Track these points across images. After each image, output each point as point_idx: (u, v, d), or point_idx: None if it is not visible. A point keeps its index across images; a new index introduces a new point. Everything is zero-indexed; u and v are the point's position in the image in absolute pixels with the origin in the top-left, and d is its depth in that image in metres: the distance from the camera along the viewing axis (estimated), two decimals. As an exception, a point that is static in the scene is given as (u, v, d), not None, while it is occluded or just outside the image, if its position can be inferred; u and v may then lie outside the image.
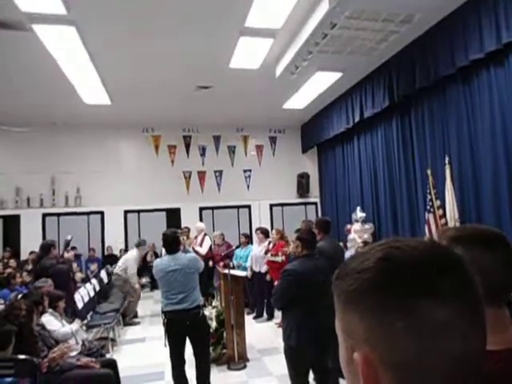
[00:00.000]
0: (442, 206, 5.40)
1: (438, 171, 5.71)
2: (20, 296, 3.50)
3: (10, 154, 9.27)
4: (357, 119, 7.65)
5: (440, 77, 5.40)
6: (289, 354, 2.95)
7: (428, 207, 5.56)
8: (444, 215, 5.38)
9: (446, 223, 5.32)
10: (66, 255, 5.22)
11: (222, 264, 6.04)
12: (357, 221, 7.72)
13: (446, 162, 5.39)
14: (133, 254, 6.78)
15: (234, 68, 6.52)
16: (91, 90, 7.24)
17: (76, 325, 3.59)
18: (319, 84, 7.28)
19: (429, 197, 5.59)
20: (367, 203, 8.20)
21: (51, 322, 3.35)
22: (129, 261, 6.56)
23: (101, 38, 5.45)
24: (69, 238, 5.55)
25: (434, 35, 5.38)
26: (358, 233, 7.51)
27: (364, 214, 7.74)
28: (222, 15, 5.04)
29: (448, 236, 0.90)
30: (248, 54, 6.02)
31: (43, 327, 3.18)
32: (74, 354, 3.18)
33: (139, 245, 6.94)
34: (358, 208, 7.92)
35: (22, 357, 1.50)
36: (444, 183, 5.37)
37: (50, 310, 3.46)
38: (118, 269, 6.64)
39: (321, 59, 6.19)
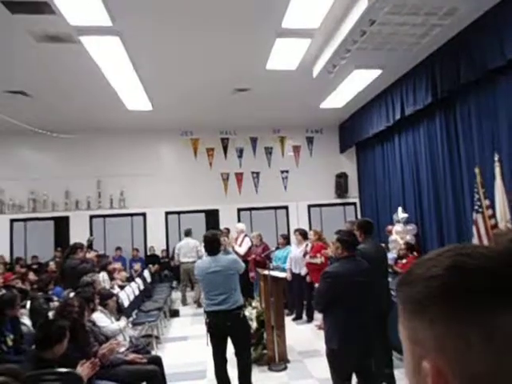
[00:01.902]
0: (492, 206, 5.12)
1: (487, 169, 5.42)
2: (73, 294, 3.70)
3: (60, 159, 9.84)
4: (397, 117, 7.43)
5: (488, 70, 5.13)
6: (331, 357, 2.93)
7: (476, 207, 5.29)
8: (494, 215, 5.10)
9: (496, 224, 5.05)
10: (88, 255, 5.43)
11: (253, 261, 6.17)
12: (398, 221, 7.51)
13: (496, 159, 5.11)
14: (191, 241, 8.00)
15: (270, 69, 6.54)
16: (134, 96, 7.54)
17: (123, 322, 3.76)
18: (358, 82, 7.14)
19: (476, 196, 5.32)
20: (409, 203, 7.93)
21: (101, 318, 3.53)
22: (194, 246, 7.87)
23: (142, 46, 5.65)
24: (91, 238, 5.79)
25: (481, 26, 5.12)
26: (399, 234, 7.29)
27: (406, 215, 7.51)
28: (259, 18, 5.08)
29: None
30: (285, 55, 6.03)
31: (94, 323, 3.36)
32: (122, 349, 3.33)
33: (189, 233, 7.97)
34: (400, 208, 7.70)
35: (66, 370, 1.62)
36: (493, 182, 5.10)
37: (100, 308, 3.65)
38: (183, 257, 7.86)
39: (359, 57, 6.07)
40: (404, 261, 6.24)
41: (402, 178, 8.31)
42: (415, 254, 6.51)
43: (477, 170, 5.38)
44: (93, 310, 3.49)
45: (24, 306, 4.98)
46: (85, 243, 5.63)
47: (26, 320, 4.57)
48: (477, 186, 5.33)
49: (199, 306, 7.28)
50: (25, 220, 9.71)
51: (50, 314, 3.65)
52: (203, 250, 7.63)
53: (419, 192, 7.66)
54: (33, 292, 5.36)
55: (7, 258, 9.32)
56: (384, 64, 6.53)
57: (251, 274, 6.65)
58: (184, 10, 4.82)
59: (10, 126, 8.28)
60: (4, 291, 5.30)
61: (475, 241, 5.21)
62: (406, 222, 7.44)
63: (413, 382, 0.50)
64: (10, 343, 3.64)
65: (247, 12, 4.93)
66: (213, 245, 3.57)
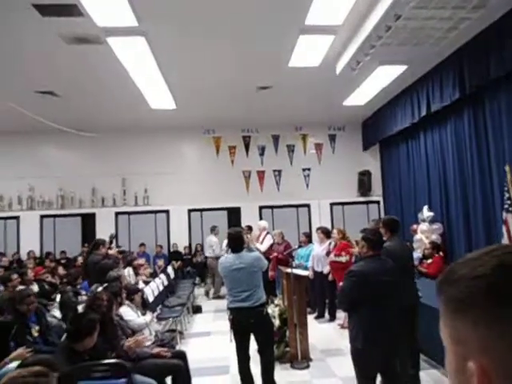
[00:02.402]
0: (523, 205, 4.96)
1: (518, 167, 5.24)
2: (100, 288, 3.82)
3: (87, 157, 10.12)
4: (423, 113, 7.26)
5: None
6: (355, 356, 2.91)
7: (506, 206, 5.14)
8: (525, 215, 4.93)
9: (528, 224, 4.89)
10: (110, 252, 5.53)
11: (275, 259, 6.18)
12: (424, 220, 7.35)
13: (527, 156, 4.94)
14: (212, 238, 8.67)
15: (293, 67, 6.52)
16: (158, 95, 7.66)
17: (149, 316, 3.84)
18: (382, 78, 7.02)
19: (507, 195, 5.16)
20: (435, 202, 7.75)
21: (128, 312, 3.62)
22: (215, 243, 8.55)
23: (167, 46, 5.73)
24: (113, 234, 5.91)
25: (513, 19, 4.94)
26: (425, 233, 7.14)
27: (432, 214, 7.34)
28: (282, 15, 5.06)
29: None
30: (308, 52, 5.99)
31: (121, 317, 3.45)
32: (148, 343, 3.41)
33: (212, 230, 8.58)
34: (426, 207, 7.53)
35: (115, 361, 1.69)
36: (525, 180, 4.93)
37: (127, 302, 3.74)
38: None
39: (383, 53, 5.96)
40: (429, 261, 6.11)
41: (428, 176, 8.12)
42: (441, 253, 6.36)
43: (507, 168, 5.22)
44: (120, 304, 3.58)
45: (54, 299, 5.17)
46: (107, 239, 5.76)
47: (56, 312, 4.75)
48: (507, 185, 5.17)
49: (216, 298, 8.27)
50: (54, 216, 10.04)
51: (79, 308, 3.77)
52: (223, 246, 7.84)
53: (446, 190, 7.47)
54: (62, 286, 5.55)
55: (37, 253, 9.67)
56: (409, 59, 6.39)
57: (270, 273, 6.62)
58: (208, 8, 4.86)
59: (39, 126, 8.56)
60: (35, 284, 5.52)
61: (505, 241, 5.06)
62: (432, 220, 7.27)
63: (456, 382, 0.50)
64: (35, 334, 3.78)
65: (271, 9, 4.93)
66: (237, 242, 3.60)
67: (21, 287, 5.12)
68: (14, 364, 2.98)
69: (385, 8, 4.67)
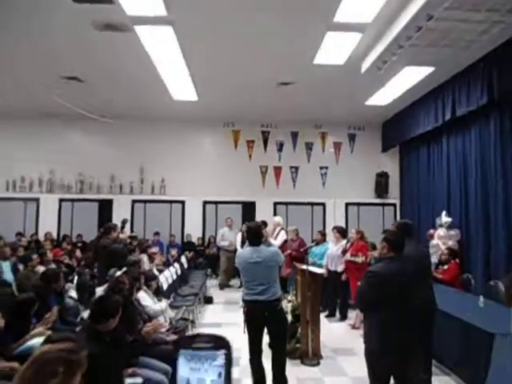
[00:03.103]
0: (547, 216, 4.84)
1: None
2: (119, 272, 3.89)
3: (108, 144, 10.27)
4: (447, 117, 7.13)
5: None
6: (369, 357, 2.89)
7: (529, 216, 5.02)
8: (549, 226, 4.82)
9: (551, 235, 4.78)
10: (122, 236, 5.60)
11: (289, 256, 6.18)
12: (441, 226, 7.24)
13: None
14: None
15: (317, 64, 6.47)
16: (180, 86, 7.70)
17: (164, 303, 3.90)
18: (407, 79, 6.92)
19: (530, 205, 5.05)
20: (454, 208, 7.62)
21: (145, 298, 3.68)
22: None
23: (194, 37, 5.75)
24: (126, 219, 5.99)
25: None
26: (442, 239, 7.04)
27: (450, 219, 7.22)
28: (311, 11, 5.02)
29: None
30: (334, 50, 5.94)
31: (139, 302, 3.52)
32: (163, 330, 3.46)
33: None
34: (444, 212, 7.42)
35: (218, 335, 1.76)
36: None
37: (144, 288, 3.81)
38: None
39: (411, 53, 5.87)
40: (445, 267, 6.02)
41: (448, 181, 7.98)
42: (457, 260, 6.26)
43: (533, 177, 5.09)
44: (138, 289, 3.65)
45: (71, 281, 5.29)
46: (119, 224, 5.83)
47: (73, 293, 4.86)
48: (531, 194, 5.06)
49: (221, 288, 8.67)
50: (72, 200, 10.23)
51: (97, 290, 3.85)
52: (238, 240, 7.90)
53: (466, 197, 7.34)
54: (80, 268, 5.67)
55: (54, 235, 9.88)
56: (437, 61, 6.28)
57: (287, 271, 6.58)
58: (236, 1, 4.85)
59: (62, 110, 8.71)
60: (54, 265, 5.64)
61: (526, 251, 4.96)
62: (450, 226, 7.16)
63: None
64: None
65: (300, 4, 4.89)
66: (255, 235, 3.61)
67: (40, 267, 5.26)
68: (34, 341, 3.07)
69: (417, 8, 4.60)
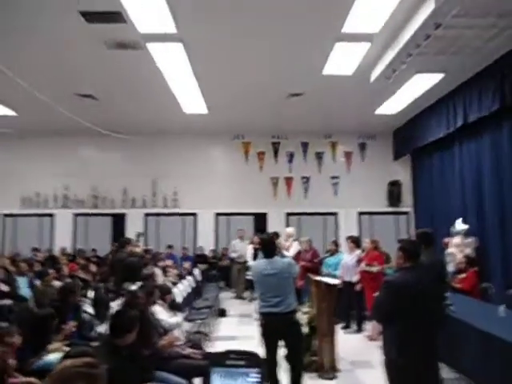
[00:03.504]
0: None
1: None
2: (134, 286, 3.91)
3: (120, 159, 10.44)
4: (459, 124, 7.08)
5: None
6: (389, 367, 2.85)
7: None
8: None
9: None
10: (136, 249, 5.63)
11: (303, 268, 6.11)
12: (457, 233, 7.12)
13: None
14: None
15: (327, 75, 6.51)
16: (191, 100, 7.82)
17: (180, 317, 3.90)
18: (417, 87, 6.90)
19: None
20: (470, 215, 7.49)
21: (160, 312, 3.69)
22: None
23: (203, 52, 5.85)
24: (141, 232, 6.04)
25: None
26: (458, 247, 6.91)
27: (466, 227, 7.10)
28: (319, 22, 5.07)
29: None
30: (343, 60, 5.98)
31: (153, 316, 3.52)
32: (179, 343, 3.45)
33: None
34: (459, 220, 7.30)
35: (250, 351, 1.80)
36: None
37: (160, 301, 3.82)
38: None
39: (420, 61, 5.87)
40: (463, 275, 5.90)
41: (463, 188, 7.87)
42: (476, 268, 6.14)
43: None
44: (153, 303, 3.66)
45: (86, 296, 5.31)
46: (134, 238, 5.89)
47: (89, 308, 4.88)
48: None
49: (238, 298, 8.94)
50: (86, 215, 10.37)
51: (112, 305, 3.87)
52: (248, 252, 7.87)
53: (481, 203, 7.22)
54: (95, 283, 5.71)
55: (69, 250, 10.00)
56: (447, 67, 6.26)
57: (300, 283, 6.50)
58: (244, 15, 4.94)
59: (75, 127, 8.88)
60: (70, 280, 5.69)
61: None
62: (466, 234, 7.04)
63: None
64: (73, 329, 3.91)
65: (308, 17, 4.95)
66: (269, 247, 3.61)
67: (56, 282, 5.32)
68: (52, 356, 3.10)
69: (424, 16, 4.61)
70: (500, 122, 6.59)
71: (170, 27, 5.02)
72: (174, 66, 6.21)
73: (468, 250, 6.77)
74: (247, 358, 1.66)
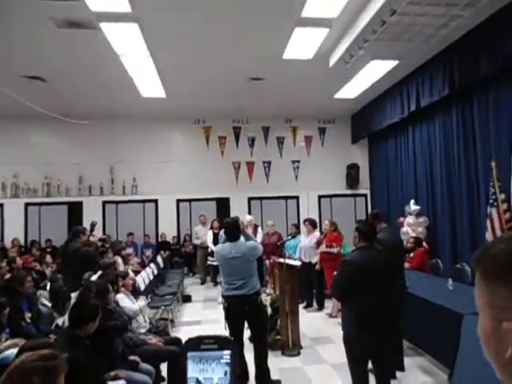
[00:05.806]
0: (507, 200, 5.13)
1: (503, 163, 5.40)
2: (95, 276, 3.81)
3: (74, 145, 9.94)
4: (412, 108, 7.39)
5: (510, 64, 5.07)
6: (348, 341, 2.99)
7: (491, 201, 5.30)
8: (509, 209, 5.11)
9: (511, 218, 5.07)
10: (92, 239, 5.48)
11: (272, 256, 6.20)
12: (410, 214, 7.52)
13: (513, 153, 5.09)
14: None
15: (287, 59, 6.52)
16: (148, 83, 7.56)
17: (143, 301, 3.86)
18: (374, 73, 7.09)
19: (492, 190, 5.33)
20: (422, 196, 7.93)
21: (123, 299, 3.63)
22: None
23: (160, 33, 5.65)
24: (95, 222, 5.89)
25: (504, 18, 5.05)
26: (411, 226, 7.31)
27: (418, 207, 7.51)
28: (279, 7, 5.06)
29: None
30: (302, 45, 6.00)
31: (117, 304, 3.47)
32: (143, 330, 3.43)
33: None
34: (412, 201, 7.70)
35: (222, 336, 1.94)
36: (510, 176, 5.09)
37: (122, 289, 3.75)
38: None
39: (376, 47, 6.02)
40: (411, 255, 6.23)
41: (415, 170, 8.29)
42: (426, 246, 6.51)
43: (493, 164, 5.37)
44: (117, 292, 3.59)
45: (43, 288, 5.12)
46: (88, 227, 5.69)
47: (45, 301, 4.71)
48: (492, 180, 5.33)
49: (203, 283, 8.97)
50: (39, 204, 9.87)
51: (73, 296, 3.76)
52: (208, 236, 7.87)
53: (432, 184, 7.65)
54: (53, 274, 5.50)
55: (22, 241, 9.51)
56: (401, 55, 6.47)
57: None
58: (204, -3, 4.82)
59: (25, 111, 8.34)
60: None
61: (489, 235, 5.23)
62: (418, 214, 7.44)
63: (491, 341, 0.58)
64: (28, 320, 3.78)
65: (267, 2, 4.92)
66: (233, 230, 3.64)
67: (9, 275, 5.06)
68: (9, 352, 2.98)
69: (381, 2, 4.72)
70: (450, 106, 6.94)
71: (124, 6, 4.80)
72: (129, 47, 5.96)
73: (420, 229, 7.18)
74: (219, 342, 1.77)
